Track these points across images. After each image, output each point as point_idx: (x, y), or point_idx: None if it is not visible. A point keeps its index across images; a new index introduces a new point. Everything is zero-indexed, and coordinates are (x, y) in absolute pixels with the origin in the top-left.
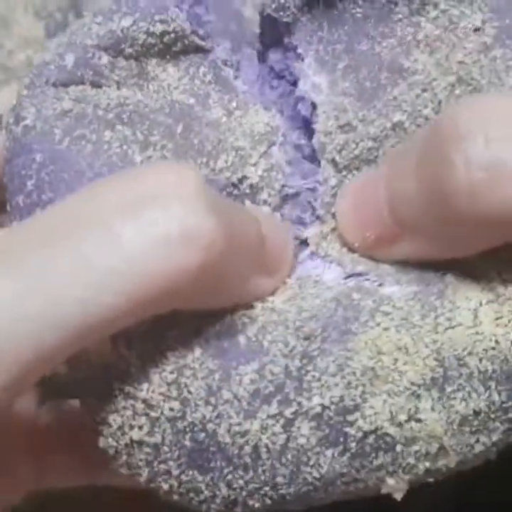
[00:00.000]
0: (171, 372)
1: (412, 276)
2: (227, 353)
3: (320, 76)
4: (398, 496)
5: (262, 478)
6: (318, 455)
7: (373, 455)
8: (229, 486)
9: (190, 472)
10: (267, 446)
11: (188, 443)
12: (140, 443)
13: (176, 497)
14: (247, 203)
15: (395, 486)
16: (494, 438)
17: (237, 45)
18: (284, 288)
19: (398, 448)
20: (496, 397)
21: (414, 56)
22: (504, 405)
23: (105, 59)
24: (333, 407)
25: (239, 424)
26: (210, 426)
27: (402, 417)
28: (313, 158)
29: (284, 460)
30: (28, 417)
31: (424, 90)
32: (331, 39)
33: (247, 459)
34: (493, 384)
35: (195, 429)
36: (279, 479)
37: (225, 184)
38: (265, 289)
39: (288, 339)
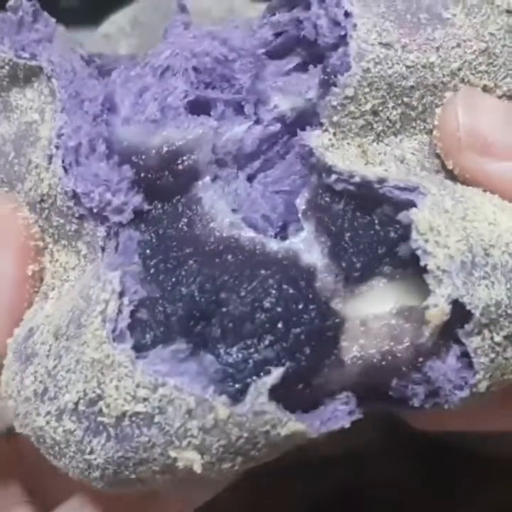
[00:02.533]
0: None
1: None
2: (22, 357)
3: None
4: (197, 468)
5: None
6: (90, 444)
7: (137, 434)
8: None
9: None
10: (59, 437)
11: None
12: None
13: None
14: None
15: (183, 458)
16: (499, 337)
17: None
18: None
19: (157, 418)
20: None
21: (452, 11)
22: None
23: None
24: (81, 401)
25: (34, 420)
26: (27, 422)
27: (144, 392)
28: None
29: (73, 449)
30: None
31: (458, 45)
32: None
33: (62, 445)
34: None
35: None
36: (88, 457)
37: (35, 202)
38: None
39: (48, 339)
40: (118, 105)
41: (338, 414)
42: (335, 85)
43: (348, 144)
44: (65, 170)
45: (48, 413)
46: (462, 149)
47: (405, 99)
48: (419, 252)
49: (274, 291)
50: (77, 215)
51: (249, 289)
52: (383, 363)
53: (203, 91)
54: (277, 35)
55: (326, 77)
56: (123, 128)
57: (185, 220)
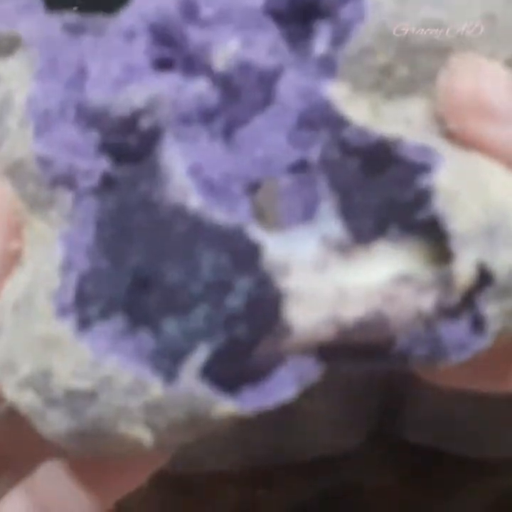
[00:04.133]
0: None
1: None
2: None
3: None
4: (147, 444)
5: None
6: (51, 416)
7: (85, 410)
8: None
9: None
10: (25, 409)
11: None
12: None
13: None
14: None
15: (131, 433)
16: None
17: None
18: None
19: (100, 396)
20: None
21: None
22: None
23: None
24: (36, 375)
25: (5, 392)
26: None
27: (86, 369)
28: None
29: (37, 420)
30: None
31: (465, 8)
32: None
33: (30, 416)
34: None
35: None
36: (51, 429)
37: (11, 169)
38: None
39: (9, 312)
40: (88, 70)
41: (284, 383)
42: (349, 36)
43: (360, 99)
44: (36, 134)
45: (12, 385)
46: (466, 114)
47: (414, 59)
48: (440, 217)
49: (211, 261)
50: (48, 181)
51: (187, 259)
52: (377, 324)
53: (163, 49)
54: None
55: (339, 27)
56: (91, 91)
57: (145, 185)
